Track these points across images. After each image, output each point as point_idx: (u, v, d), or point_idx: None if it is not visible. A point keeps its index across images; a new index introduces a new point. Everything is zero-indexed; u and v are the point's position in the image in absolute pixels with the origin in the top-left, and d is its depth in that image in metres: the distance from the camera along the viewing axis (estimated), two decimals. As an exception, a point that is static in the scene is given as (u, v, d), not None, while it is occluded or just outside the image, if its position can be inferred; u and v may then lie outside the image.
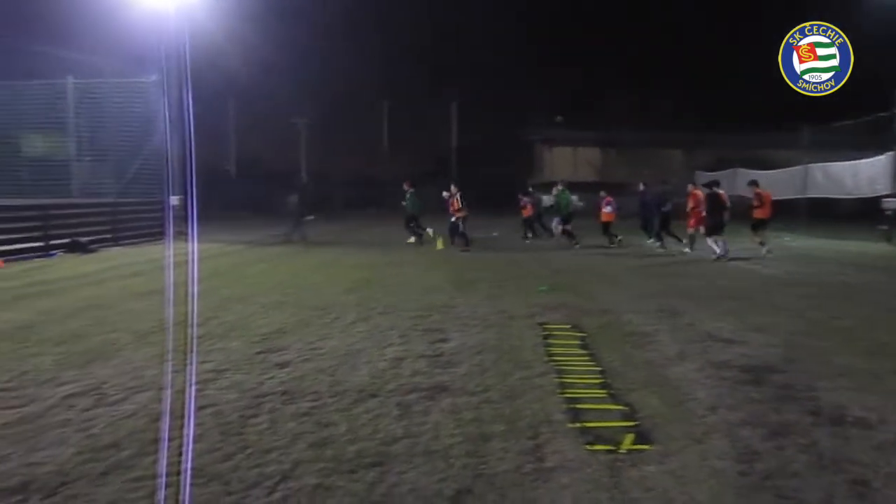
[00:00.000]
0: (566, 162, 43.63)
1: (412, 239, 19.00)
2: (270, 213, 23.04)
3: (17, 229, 15.26)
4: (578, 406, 4.93)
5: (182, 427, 4.46)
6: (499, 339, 7.11)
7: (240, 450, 4.11)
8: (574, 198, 20.21)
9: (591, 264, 14.01)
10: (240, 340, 6.96)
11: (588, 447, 4.18)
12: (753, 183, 15.97)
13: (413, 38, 42.68)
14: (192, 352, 6.45)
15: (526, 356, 6.38)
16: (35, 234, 15.46)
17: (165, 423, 4.47)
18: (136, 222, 19.25)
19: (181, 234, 15.71)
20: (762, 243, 15.29)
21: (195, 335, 7.11)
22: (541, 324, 7.89)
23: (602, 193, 19.11)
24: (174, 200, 20.05)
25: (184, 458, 3.96)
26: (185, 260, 12.71)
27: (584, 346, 6.82)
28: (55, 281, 11.49)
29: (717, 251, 14.69)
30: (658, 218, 17.67)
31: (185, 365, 5.97)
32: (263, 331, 7.41)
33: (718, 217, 14.73)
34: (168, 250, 12.89)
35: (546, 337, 7.22)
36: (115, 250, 16.89)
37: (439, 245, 18.01)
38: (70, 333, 7.34)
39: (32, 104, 21.28)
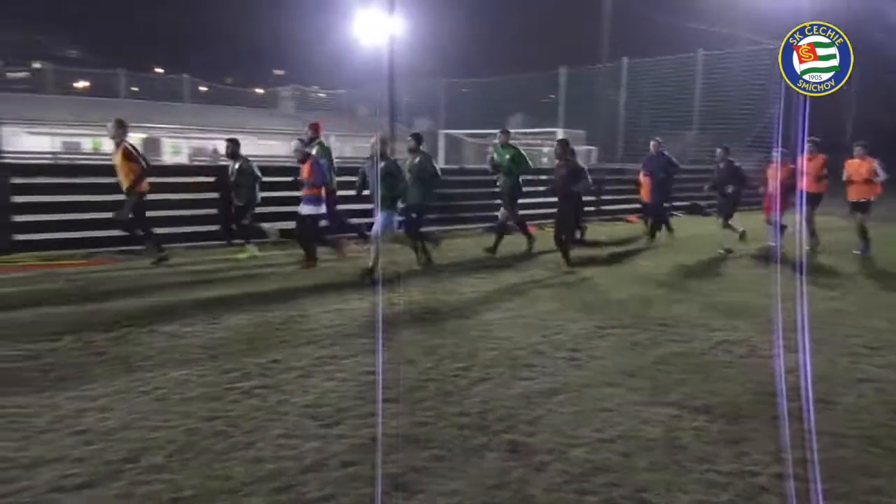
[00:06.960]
0: None
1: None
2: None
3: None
4: None
5: (841, 395, 4.49)
6: None
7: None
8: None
9: None
10: (887, 321, 6.49)
11: None
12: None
13: None
14: (808, 329, 6.35)
15: None
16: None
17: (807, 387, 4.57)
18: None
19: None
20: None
21: (832, 308, 6.97)
22: None
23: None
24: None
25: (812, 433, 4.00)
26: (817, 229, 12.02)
27: None
28: (684, 239, 12.52)
29: None
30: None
31: (827, 337, 5.92)
32: (912, 316, 6.73)
33: None
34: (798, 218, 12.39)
35: None
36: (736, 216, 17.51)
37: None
38: (706, 288, 8.10)
39: (663, 77, 23.79)
